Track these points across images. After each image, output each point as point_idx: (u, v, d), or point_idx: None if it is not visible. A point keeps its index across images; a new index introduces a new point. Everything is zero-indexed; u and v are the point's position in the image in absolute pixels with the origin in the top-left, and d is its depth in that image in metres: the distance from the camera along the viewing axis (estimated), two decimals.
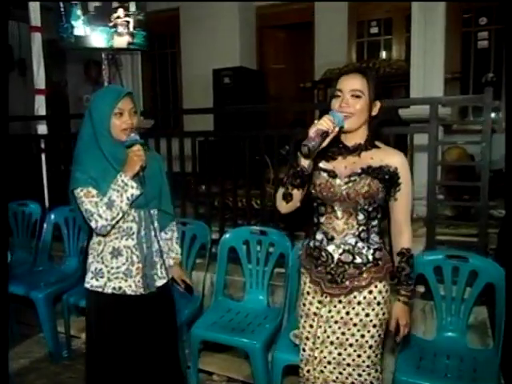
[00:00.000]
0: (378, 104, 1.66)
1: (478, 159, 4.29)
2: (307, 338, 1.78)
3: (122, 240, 1.88)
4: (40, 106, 4.02)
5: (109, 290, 1.88)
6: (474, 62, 5.59)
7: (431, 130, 2.42)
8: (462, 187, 3.61)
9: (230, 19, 6.24)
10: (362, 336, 1.69)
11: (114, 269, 1.88)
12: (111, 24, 4.04)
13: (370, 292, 1.68)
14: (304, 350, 1.80)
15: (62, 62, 7.46)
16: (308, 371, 1.79)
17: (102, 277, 1.88)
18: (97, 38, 4.17)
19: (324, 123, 1.54)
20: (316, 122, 1.56)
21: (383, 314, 1.71)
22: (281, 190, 1.68)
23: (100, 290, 1.88)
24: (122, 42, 3.99)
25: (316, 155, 1.64)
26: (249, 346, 2.33)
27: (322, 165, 1.70)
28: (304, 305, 1.80)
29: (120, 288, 1.88)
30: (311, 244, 1.77)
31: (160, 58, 7.17)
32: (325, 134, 1.54)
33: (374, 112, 1.66)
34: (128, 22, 4.18)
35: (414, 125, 3.24)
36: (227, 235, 2.79)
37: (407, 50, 5.89)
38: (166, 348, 2.01)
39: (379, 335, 1.71)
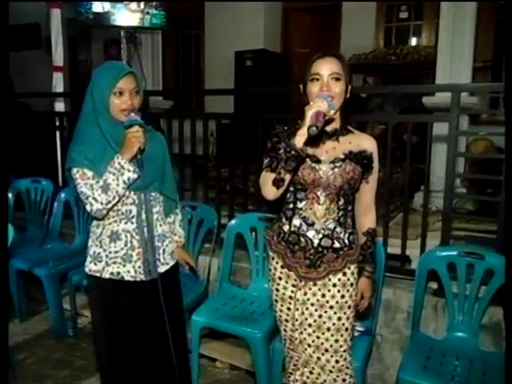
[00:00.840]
0: (349, 87, 1.66)
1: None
2: (286, 321, 1.79)
3: (121, 223, 1.80)
4: (58, 82, 4.01)
5: (106, 275, 1.81)
6: (504, 49, 5.33)
7: (452, 119, 2.27)
8: (486, 181, 3.45)
9: (255, 1, 6.10)
10: (339, 319, 1.71)
11: (112, 253, 1.81)
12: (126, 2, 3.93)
13: (344, 274, 1.71)
14: (285, 330, 1.81)
15: (87, 41, 7.46)
16: (292, 349, 1.82)
17: (100, 261, 1.81)
18: (116, 15, 4.09)
19: (322, 105, 1.50)
20: (311, 104, 1.52)
21: (356, 294, 1.76)
22: (269, 176, 1.58)
23: (98, 274, 1.82)
24: (132, 19, 3.87)
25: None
26: (249, 336, 2.26)
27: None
28: (277, 290, 1.78)
29: (118, 273, 1.81)
30: (285, 229, 1.72)
31: (184, 39, 7.11)
32: (324, 116, 1.51)
33: (348, 94, 1.65)
34: None
35: (436, 113, 3.10)
36: (234, 221, 2.72)
37: (437, 37, 5.69)
38: (171, 334, 1.90)
39: (353, 316, 1.76)
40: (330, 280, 1.70)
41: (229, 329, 2.37)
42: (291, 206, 1.71)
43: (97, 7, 3.76)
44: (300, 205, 1.69)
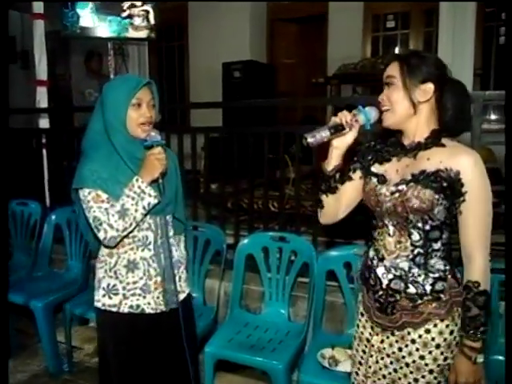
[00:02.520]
0: (429, 86, 1.31)
1: (501, 161, 4.12)
2: (360, 363, 1.53)
3: (138, 251, 1.65)
4: (41, 98, 3.79)
5: (125, 309, 1.65)
6: (496, 57, 5.35)
7: (475, 129, 2.17)
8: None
9: (240, 11, 6.02)
10: (416, 380, 1.39)
11: (130, 284, 1.65)
12: (125, 14, 3.75)
13: (428, 331, 1.36)
14: (357, 374, 1.54)
15: (66, 54, 7.23)
16: None
17: (116, 294, 1.65)
18: (104, 29, 3.91)
19: (341, 116, 1.35)
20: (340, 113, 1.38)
21: (444, 359, 1.36)
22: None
23: (115, 309, 1.65)
24: (138, 36, 3.70)
25: (372, 158, 1.45)
26: (270, 367, 2.08)
27: (373, 169, 1.45)
28: (358, 326, 1.54)
29: (138, 306, 1.65)
30: (364, 260, 1.52)
31: (167, 51, 6.94)
32: (338, 128, 1.36)
33: (424, 97, 1.32)
34: (147, 12, 3.86)
35: None
36: (245, 241, 2.54)
37: (426, 45, 5.68)
38: (187, 366, 1.76)
39: (438, 382, 1.39)
40: (409, 334, 1.38)
41: (246, 360, 2.18)
42: (371, 233, 1.48)
43: (85, 21, 3.57)
44: (374, 234, 1.45)
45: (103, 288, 1.66)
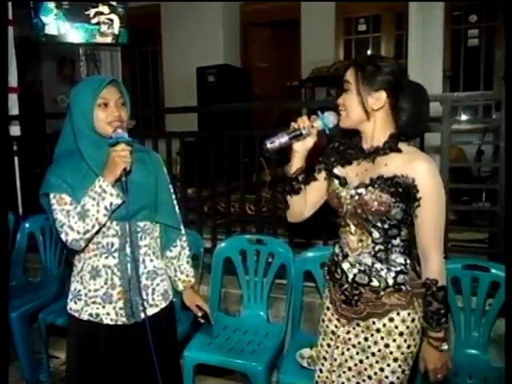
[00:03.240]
0: (379, 95, 1.36)
1: (470, 160, 4.23)
2: (325, 359, 1.57)
3: (102, 258, 1.57)
4: (12, 105, 3.71)
5: (85, 316, 1.59)
6: (464, 59, 5.49)
7: (444, 130, 2.23)
8: (460, 189, 3.47)
9: (213, 16, 6.03)
10: (381, 370, 1.44)
11: (91, 291, 1.59)
12: (93, 21, 3.73)
13: (391, 320, 1.42)
14: (321, 371, 1.58)
15: (37, 60, 7.10)
16: None
17: (80, 299, 1.60)
18: (73, 35, 3.88)
19: (300, 122, 1.40)
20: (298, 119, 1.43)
21: (408, 346, 1.43)
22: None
23: (77, 314, 1.60)
24: (104, 40, 3.69)
25: (335, 159, 1.50)
26: (250, 369, 2.09)
27: (336, 170, 1.51)
28: (323, 320, 1.60)
29: (97, 315, 1.59)
30: (330, 256, 1.58)
31: (140, 56, 6.90)
32: (296, 134, 1.41)
33: (377, 105, 1.37)
34: (112, 20, 3.88)
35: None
36: (222, 244, 2.55)
37: (397, 48, 5.80)
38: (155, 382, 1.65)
39: (403, 371, 1.44)
40: (374, 323, 1.44)
41: (226, 363, 2.18)
42: (337, 231, 1.54)
43: (51, 29, 3.53)
44: (339, 231, 1.52)
45: (71, 292, 1.64)
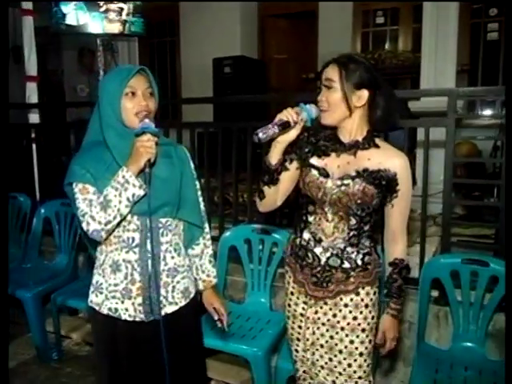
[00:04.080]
0: (361, 93, 1.45)
1: (485, 155, 4.20)
2: (298, 339, 1.68)
3: (122, 252, 1.55)
4: (31, 93, 3.85)
5: (104, 310, 1.58)
6: (483, 53, 5.41)
7: (449, 125, 2.24)
8: (472, 184, 3.46)
9: (231, 7, 6.05)
10: (351, 342, 1.59)
11: (111, 286, 1.57)
12: (102, 9, 3.81)
13: (357, 294, 1.58)
14: (297, 350, 1.71)
15: (58, 50, 7.25)
16: (304, 371, 1.72)
17: (101, 292, 1.59)
18: (91, 25, 3.96)
19: (287, 113, 1.43)
20: (284, 110, 1.45)
21: (372, 317, 1.60)
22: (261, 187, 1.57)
23: (97, 308, 1.59)
24: (111, 29, 3.76)
25: (309, 150, 1.56)
26: (250, 354, 2.16)
27: (313, 161, 1.56)
28: (289, 305, 1.69)
29: (116, 310, 1.57)
30: (297, 242, 1.63)
31: (159, 47, 6.97)
32: (285, 125, 1.43)
33: (359, 103, 1.46)
34: (122, 8, 3.95)
35: (423, 118, 3.07)
36: (227, 233, 2.62)
37: (414, 42, 5.74)
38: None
39: (369, 341, 1.60)
40: (341, 300, 1.58)
41: (227, 347, 2.25)
42: (304, 218, 1.60)
43: (71, 19, 3.62)
44: (310, 218, 1.58)
45: (93, 284, 1.63)
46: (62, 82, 7.20)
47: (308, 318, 1.63)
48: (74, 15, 3.93)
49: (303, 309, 1.64)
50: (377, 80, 1.47)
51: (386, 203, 1.54)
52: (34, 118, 3.85)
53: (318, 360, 1.64)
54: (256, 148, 2.82)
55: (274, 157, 1.50)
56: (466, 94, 2.25)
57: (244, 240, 2.57)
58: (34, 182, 3.66)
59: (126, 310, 1.57)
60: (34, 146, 3.69)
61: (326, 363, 1.63)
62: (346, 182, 1.49)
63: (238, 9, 6.08)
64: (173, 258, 1.61)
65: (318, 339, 1.62)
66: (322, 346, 1.62)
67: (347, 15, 5.91)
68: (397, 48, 5.80)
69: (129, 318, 1.57)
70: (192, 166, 1.71)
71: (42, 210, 3.16)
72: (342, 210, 1.51)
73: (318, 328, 1.61)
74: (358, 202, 1.48)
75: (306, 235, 1.60)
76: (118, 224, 1.50)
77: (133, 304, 1.57)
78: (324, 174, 1.53)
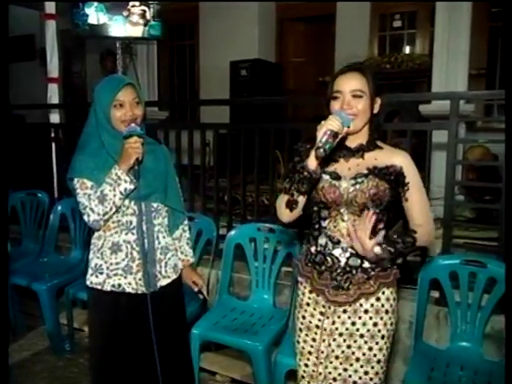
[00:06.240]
0: (378, 101, 1.57)
1: (502, 159, 4.15)
2: (310, 353, 1.65)
3: (122, 234, 1.79)
4: (53, 94, 3.99)
5: (108, 288, 1.79)
6: (501, 57, 5.37)
7: (451, 127, 2.27)
8: (483, 187, 3.45)
9: (249, 11, 6.15)
10: (370, 349, 1.57)
11: (113, 265, 1.79)
12: (126, 13, 3.94)
13: (378, 299, 1.57)
14: (307, 365, 1.67)
15: (82, 53, 7.46)
16: None
17: (101, 273, 1.80)
18: (112, 26, 4.10)
19: (334, 124, 1.45)
20: (323, 122, 1.47)
21: (391, 324, 1.59)
22: (283, 198, 1.55)
23: (99, 287, 1.80)
24: (135, 31, 3.89)
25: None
26: (251, 348, 2.23)
27: (326, 168, 1.60)
28: (304, 317, 1.66)
29: (119, 285, 1.79)
30: (312, 250, 1.63)
31: (178, 49, 7.11)
32: (337, 135, 1.46)
33: (376, 110, 1.57)
34: (144, 11, 4.08)
35: (434, 121, 3.10)
36: (233, 232, 2.70)
37: (431, 45, 5.72)
38: (174, 349, 1.90)
39: (387, 348, 1.59)
40: (361, 306, 1.56)
41: (229, 342, 2.34)
42: (317, 225, 1.62)
43: (92, 19, 3.76)
44: (324, 223, 1.59)
45: (91, 268, 1.83)
46: (85, 83, 7.41)
47: (325, 329, 1.60)
48: (95, 16, 4.07)
49: (319, 320, 1.62)
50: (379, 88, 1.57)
51: (401, 199, 1.57)
52: (55, 118, 3.99)
53: (330, 373, 1.61)
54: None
55: (314, 163, 1.48)
56: (466, 96, 2.28)
57: (249, 238, 2.64)
58: (53, 179, 3.80)
59: (129, 283, 1.80)
60: (53, 145, 3.82)
61: (340, 374, 1.60)
62: (359, 180, 1.54)
63: (256, 12, 6.16)
64: (164, 237, 1.89)
65: (333, 351, 1.60)
66: (337, 357, 1.59)
67: (364, 19, 5.93)
68: (414, 51, 5.80)
69: (132, 291, 1.80)
70: (172, 163, 2.00)
71: (59, 207, 3.29)
72: (358, 208, 1.54)
73: (335, 339, 1.59)
74: (374, 197, 1.52)
75: (322, 240, 1.60)
76: (117, 210, 1.75)
77: (134, 279, 1.80)
78: (336, 176, 1.56)
